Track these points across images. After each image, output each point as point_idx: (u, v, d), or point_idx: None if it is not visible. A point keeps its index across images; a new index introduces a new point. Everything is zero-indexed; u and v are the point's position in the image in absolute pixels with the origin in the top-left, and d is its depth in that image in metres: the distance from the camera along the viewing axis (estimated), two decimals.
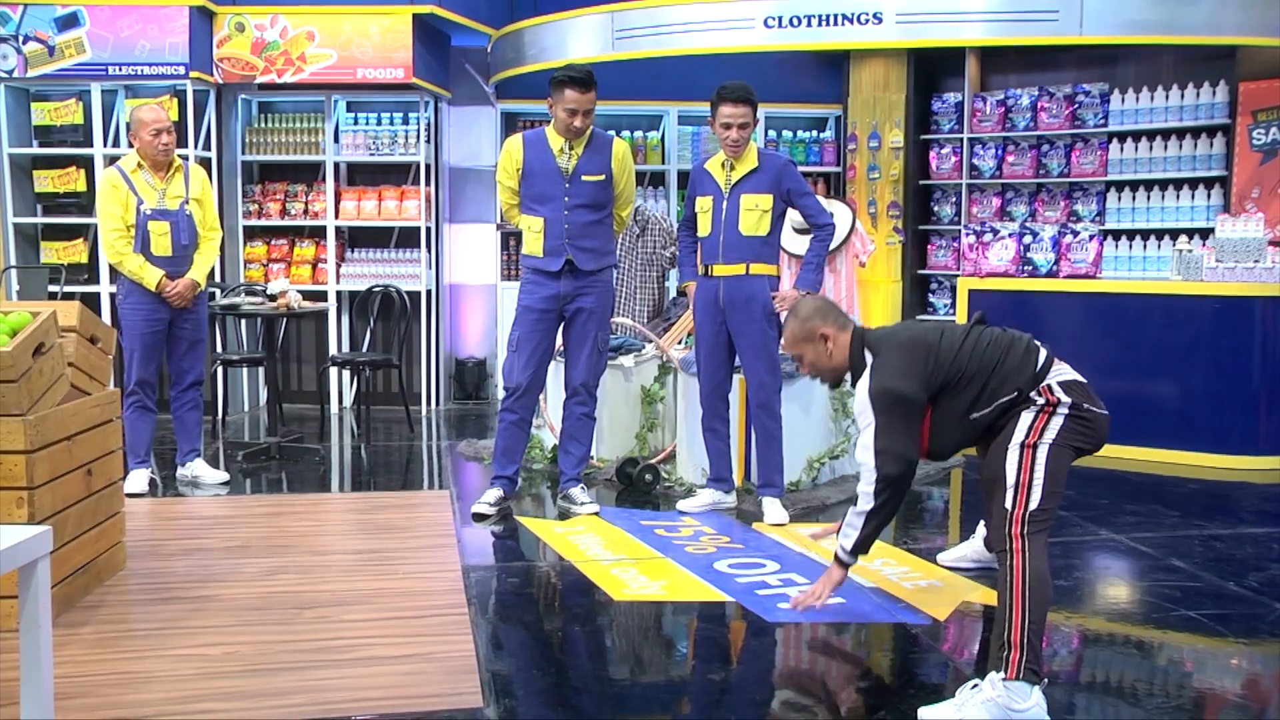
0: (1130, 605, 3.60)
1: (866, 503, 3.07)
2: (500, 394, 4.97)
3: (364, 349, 7.18)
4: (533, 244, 4.56)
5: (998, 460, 2.92)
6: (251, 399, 7.49)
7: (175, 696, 2.72)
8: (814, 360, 3.23)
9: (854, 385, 3.15)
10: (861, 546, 3.17)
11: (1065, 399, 2.93)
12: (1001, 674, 2.56)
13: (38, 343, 3.24)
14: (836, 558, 3.23)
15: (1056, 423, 2.91)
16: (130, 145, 4.93)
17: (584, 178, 4.49)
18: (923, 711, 2.61)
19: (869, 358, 3.09)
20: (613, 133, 5.11)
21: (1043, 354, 3.04)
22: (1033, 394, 2.95)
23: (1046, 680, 2.68)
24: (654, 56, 7.09)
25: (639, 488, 4.98)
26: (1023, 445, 2.89)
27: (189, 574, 3.72)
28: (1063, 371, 3.03)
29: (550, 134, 4.52)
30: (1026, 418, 2.93)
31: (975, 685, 2.59)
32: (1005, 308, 6.06)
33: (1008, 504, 2.84)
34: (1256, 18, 6.28)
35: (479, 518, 4.50)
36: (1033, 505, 2.81)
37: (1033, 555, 2.74)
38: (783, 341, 3.36)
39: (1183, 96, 6.70)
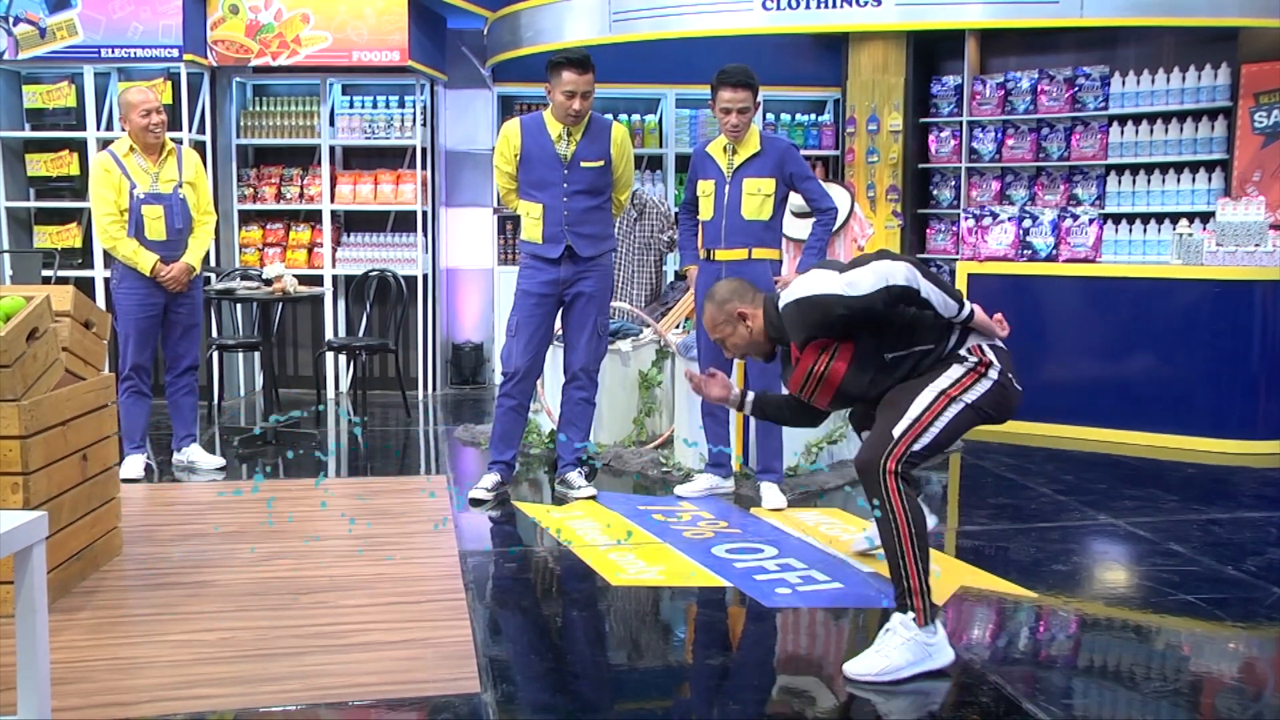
0: (1128, 589, 3.60)
1: None
2: (498, 379, 4.95)
3: (360, 334, 7.15)
4: (531, 230, 4.53)
5: (910, 392, 2.87)
6: (247, 384, 7.47)
7: (171, 682, 2.71)
8: (737, 340, 3.16)
9: (784, 351, 3.07)
10: None
11: (996, 362, 2.93)
12: (911, 616, 2.67)
13: (31, 327, 3.22)
14: None
15: (983, 385, 2.90)
16: (122, 129, 4.90)
17: (583, 164, 4.45)
18: (848, 666, 2.67)
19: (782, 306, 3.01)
20: (610, 117, 5.07)
21: (957, 325, 3.01)
22: (963, 350, 2.93)
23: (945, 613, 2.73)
24: (651, 39, 7.04)
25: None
26: (943, 391, 2.87)
27: (185, 559, 3.71)
28: (986, 339, 3.02)
29: (548, 119, 4.48)
30: (957, 370, 2.90)
31: (888, 630, 2.70)
32: (1004, 292, 6.06)
33: (895, 431, 2.80)
34: None
35: (476, 503, 4.49)
36: (917, 446, 2.80)
37: (907, 494, 2.75)
38: (705, 325, 3.23)
39: (1184, 79, 6.66)
